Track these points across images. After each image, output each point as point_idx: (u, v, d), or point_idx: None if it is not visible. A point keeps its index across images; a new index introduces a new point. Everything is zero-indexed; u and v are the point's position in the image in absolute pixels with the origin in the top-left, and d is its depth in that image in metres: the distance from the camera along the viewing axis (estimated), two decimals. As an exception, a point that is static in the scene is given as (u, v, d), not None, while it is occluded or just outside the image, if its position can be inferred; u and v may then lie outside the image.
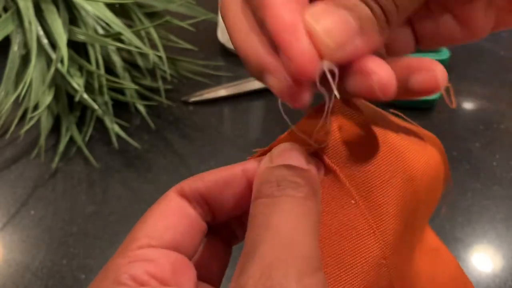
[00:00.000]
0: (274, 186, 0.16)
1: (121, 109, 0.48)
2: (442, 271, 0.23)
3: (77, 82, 0.42)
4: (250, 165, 0.19)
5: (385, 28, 0.16)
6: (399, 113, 0.22)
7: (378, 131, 0.19)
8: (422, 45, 0.20)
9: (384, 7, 0.15)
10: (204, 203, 0.19)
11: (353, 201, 0.18)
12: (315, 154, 0.19)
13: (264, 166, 0.18)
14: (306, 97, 0.16)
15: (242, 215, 0.19)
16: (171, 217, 0.18)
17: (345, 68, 0.16)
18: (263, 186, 0.16)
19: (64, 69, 0.40)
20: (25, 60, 0.44)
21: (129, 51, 0.49)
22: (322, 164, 0.19)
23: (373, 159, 0.18)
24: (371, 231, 0.18)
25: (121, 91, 0.47)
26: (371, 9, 0.15)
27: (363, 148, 0.19)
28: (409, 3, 0.16)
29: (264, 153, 0.19)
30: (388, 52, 0.21)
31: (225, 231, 0.21)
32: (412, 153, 0.19)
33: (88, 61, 0.43)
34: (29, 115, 0.42)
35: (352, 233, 0.18)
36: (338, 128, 0.19)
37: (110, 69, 0.47)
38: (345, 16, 0.15)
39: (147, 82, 0.50)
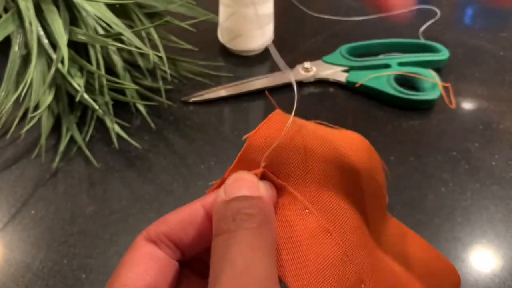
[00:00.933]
0: (231, 222, 0.17)
1: (121, 109, 0.49)
2: (413, 253, 0.23)
3: (78, 82, 0.42)
4: (208, 199, 0.20)
5: None
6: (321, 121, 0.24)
7: (311, 138, 0.21)
8: None
9: None
10: (170, 243, 0.20)
11: (306, 210, 0.19)
12: (265, 177, 0.20)
13: (219, 199, 0.19)
14: None
15: (210, 248, 0.20)
16: (142, 263, 0.19)
17: None
18: (220, 223, 0.18)
19: (64, 69, 0.41)
20: (25, 60, 0.44)
21: (129, 52, 0.49)
22: (273, 184, 0.20)
23: (313, 164, 0.20)
24: (328, 234, 0.19)
25: (121, 91, 0.47)
26: None
27: (303, 158, 0.20)
28: None
29: (220, 185, 0.21)
30: None
31: (198, 264, 0.21)
32: (344, 146, 0.21)
33: (89, 61, 0.44)
34: (29, 115, 0.42)
35: (311, 240, 0.19)
36: (277, 147, 0.20)
37: (110, 70, 0.47)
38: None
39: (148, 82, 0.50)
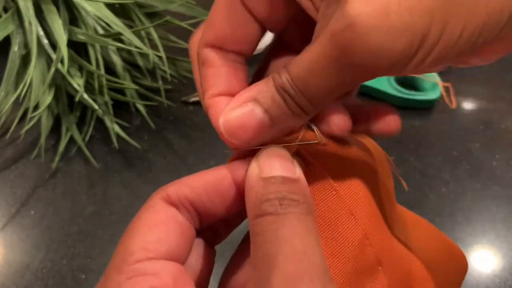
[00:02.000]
0: (277, 205, 0.17)
1: (121, 109, 0.48)
2: (422, 240, 0.24)
3: (77, 82, 0.42)
4: (236, 168, 0.19)
5: (302, 115, 0.17)
6: None
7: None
8: None
9: (298, 102, 0.16)
10: (192, 209, 0.18)
11: (334, 192, 0.19)
12: (296, 152, 0.20)
13: (253, 175, 0.18)
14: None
15: (225, 217, 0.19)
16: (163, 227, 0.17)
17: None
18: (265, 205, 0.17)
19: (64, 69, 0.40)
20: (25, 60, 0.44)
21: (129, 51, 0.49)
22: (303, 161, 0.20)
23: (344, 153, 0.20)
24: (352, 216, 0.19)
25: (121, 91, 0.47)
26: (286, 103, 0.16)
27: (334, 146, 0.20)
28: (323, 100, 0.17)
29: (242, 154, 0.20)
30: None
31: (208, 231, 0.20)
32: (368, 144, 0.22)
33: (88, 61, 0.44)
34: (29, 115, 0.42)
35: (336, 221, 0.19)
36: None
37: (110, 69, 0.47)
38: (252, 111, 0.17)
39: (147, 82, 0.50)
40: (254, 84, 0.17)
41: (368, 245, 0.19)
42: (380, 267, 0.20)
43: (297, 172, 0.18)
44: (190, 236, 0.18)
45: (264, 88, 0.17)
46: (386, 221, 0.22)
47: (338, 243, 0.19)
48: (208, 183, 0.18)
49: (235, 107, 0.17)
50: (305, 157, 0.20)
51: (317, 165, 0.20)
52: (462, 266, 0.25)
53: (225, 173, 0.19)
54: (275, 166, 0.18)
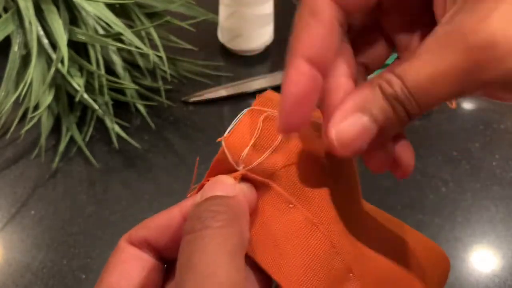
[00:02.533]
0: (196, 220, 0.18)
1: (121, 109, 0.48)
2: (401, 243, 0.23)
3: (78, 82, 0.42)
4: (186, 204, 0.20)
5: (405, 122, 0.17)
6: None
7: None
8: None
9: (408, 110, 0.16)
10: (150, 247, 0.20)
11: (291, 205, 0.19)
12: (246, 178, 0.20)
13: (195, 202, 0.19)
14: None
15: None
16: (124, 264, 0.20)
17: None
18: (188, 223, 0.18)
19: (64, 69, 0.41)
20: (25, 60, 0.44)
21: (129, 51, 0.49)
22: (255, 184, 0.20)
23: (295, 162, 0.20)
24: (314, 227, 0.19)
25: (121, 91, 0.47)
26: (395, 111, 0.16)
27: (284, 156, 0.20)
28: (434, 106, 0.17)
29: (199, 189, 0.21)
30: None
31: None
32: (316, 140, 0.21)
33: (89, 61, 0.44)
34: (29, 115, 0.42)
35: (298, 234, 0.19)
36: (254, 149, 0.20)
37: (110, 69, 0.47)
38: (364, 123, 0.17)
39: (148, 82, 0.50)
40: (357, 91, 0.17)
41: (335, 253, 0.19)
42: (351, 274, 0.20)
43: (236, 191, 0.19)
44: (154, 269, 0.20)
45: (370, 97, 0.17)
46: (354, 221, 0.21)
47: (305, 255, 0.19)
48: (160, 222, 0.20)
49: (344, 117, 0.17)
50: (256, 180, 0.20)
51: (272, 184, 0.20)
52: (445, 266, 0.25)
53: (175, 211, 0.20)
54: (214, 189, 0.19)
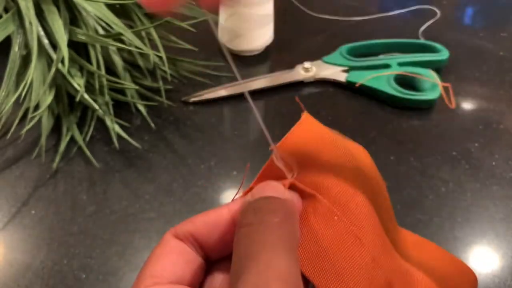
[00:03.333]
0: (252, 215, 0.18)
1: (121, 109, 0.49)
2: (428, 259, 0.24)
3: (78, 82, 0.42)
4: (234, 205, 0.21)
5: None
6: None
7: (334, 148, 0.22)
8: None
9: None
10: (195, 242, 0.21)
11: (336, 217, 0.20)
12: (293, 188, 0.21)
13: (245, 201, 0.20)
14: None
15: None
16: (169, 256, 0.20)
17: None
18: (242, 216, 0.19)
19: (64, 70, 0.41)
20: (26, 60, 0.44)
21: (129, 52, 0.49)
22: (301, 194, 0.21)
23: (341, 177, 0.21)
24: (357, 240, 0.20)
25: (121, 91, 0.47)
26: None
27: (330, 169, 0.21)
28: None
29: (246, 193, 0.22)
30: None
31: (227, 264, 0.22)
32: (362, 158, 0.22)
33: (89, 61, 0.44)
34: (29, 115, 0.42)
35: (342, 246, 0.19)
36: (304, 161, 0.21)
37: (110, 70, 0.47)
38: None
39: (148, 82, 0.50)
40: None
41: (377, 267, 0.20)
42: None
43: (286, 194, 0.20)
44: (196, 264, 0.21)
45: None
46: (391, 241, 0.22)
47: (347, 265, 0.19)
48: (208, 220, 0.21)
49: None
50: (304, 190, 0.20)
51: (317, 195, 0.20)
52: (471, 282, 0.25)
53: (224, 211, 0.21)
54: (265, 190, 0.20)
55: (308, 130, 0.22)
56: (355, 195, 0.21)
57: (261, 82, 0.53)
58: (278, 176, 0.21)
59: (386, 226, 0.22)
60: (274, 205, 0.19)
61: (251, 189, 0.21)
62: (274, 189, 0.20)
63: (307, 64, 0.54)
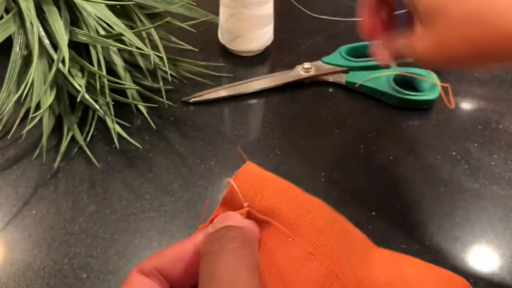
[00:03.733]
0: (214, 243, 0.19)
1: (122, 109, 0.49)
2: (413, 277, 0.25)
3: (79, 83, 0.43)
4: (197, 237, 0.22)
5: None
6: None
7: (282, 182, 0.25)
8: None
9: None
10: (161, 277, 0.21)
11: (290, 239, 0.22)
12: (249, 216, 0.23)
13: (207, 232, 0.21)
14: None
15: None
16: None
17: None
18: (206, 246, 0.20)
19: (65, 70, 0.41)
20: (26, 60, 0.44)
21: (130, 52, 0.49)
22: (255, 222, 0.23)
23: (291, 199, 0.23)
24: (312, 257, 0.21)
25: (122, 92, 0.47)
26: None
27: (281, 196, 0.23)
28: None
29: (208, 225, 0.23)
30: None
31: None
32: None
33: (90, 61, 0.44)
34: (30, 115, 0.42)
35: (297, 263, 0.21)
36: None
37: (111, 70, 0.47)
38: None
39: (148, 82, 0.50)
40: None
41: (335, 278, 0.21)
42: None
43: (244, 222, 0.21)
44: None
45: None
46: (357, 254, 0.23)
47: (303, 281, 0.20)
48: (173, 253, 0.22)
49: None
50: (258, 218, 0.22)
51: (271, 220, 0.22)
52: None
53: (188, 244, 0.22)
54: (225, 221, 0.21)
55: (255, 170, 0.25)
56: (308, 212, 0.22)
57: (261, 82, 0.53)
58: (235, 207, 0.23)
59: (350, 240, 0.24)
60: (234, 232, 0.20)
61: (211, 221, 0.23)
62: (233, 218, 0.21)
63: (306, 65, 0.54)
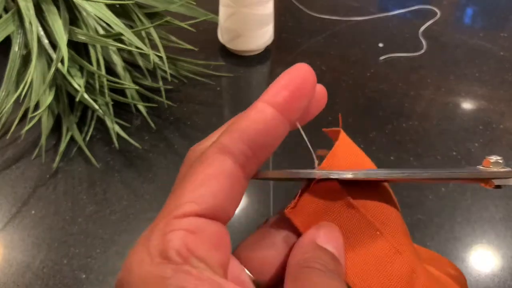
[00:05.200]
0: (319, 266, 0.19)
1: (121, 109, 0.49)
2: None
3: (78, 82, 0.42)
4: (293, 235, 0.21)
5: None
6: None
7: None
8: None
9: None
10: (250, 154, 0.18)
11: (378, 232, 0.22)
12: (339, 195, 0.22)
13: (311, 236, 0.20)
14: None
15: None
16: (216, 181, 0.17)
17: None
18: (311, 262, 0.19)
19: (64, 69, 0.41)
20: (26, 60, 0.44)
21: (129, 52, 0.49)
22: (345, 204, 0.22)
23: (378, 195, 0.23)
24: (398, 253, 0.21)
25: (121, 91, 0.47)
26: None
27: (370, 189, 0.23)
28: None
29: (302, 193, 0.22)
30: None
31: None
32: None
33: (89, 61, 0.44)
34: (29, 115, 0.42)
35: (385, 259, 0.21)
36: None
37: (110, 70, 0.47)
38: None
39: (148, 82, 0.50)
40: None
41: (416, 278, 0.21)
42: None
43: (342, 256, 0.21)
44: (241, 190, 0.18)
45: None
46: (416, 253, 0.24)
47: (389, 279, 0.21)
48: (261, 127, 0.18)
49: None
50: (350, 202, 0.22)
51: (361, 209, 0.22)
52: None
53: (272, 113, 0.18)
54: (331, 242, 0.20)
55: (347, 148, 0.24)
56: (391, 215, 0.22)
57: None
58: (340, 165, 0.22)
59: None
60: (336, 271, 0.19)
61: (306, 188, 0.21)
62: (338, 244, 0.20)
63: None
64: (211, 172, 0.17)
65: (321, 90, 0.21)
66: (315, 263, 0.19)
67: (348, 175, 0.21)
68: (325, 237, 0.20)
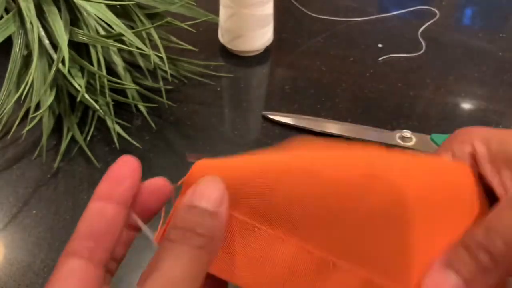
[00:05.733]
0: (180, 235, 0.18)
1: (122, 109, 0.49)
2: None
3: (79, 83, 0.43)
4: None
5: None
6: None
7: None
8: None
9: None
10: (97, 248, 0.20)
11: (256, 229, 0.21)
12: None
13: (185, 199, 0.20)
14: None
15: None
16: (64, 282, 0.19)
17: None
18: (172, 231, 0.19)
19: (65, 70, 0.41)
20: (26, 60, 0.44)
21: (130, 52, 0.49)
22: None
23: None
24: (280, 240, 0.20)
25: (122, 92, 0.47)
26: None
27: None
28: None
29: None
30: None
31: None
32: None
33: (90, 62, 0.44)
34: (30, 115, 0.42)
35: (266, 249, 0.20)
36: None
37: (111, 70, 0.47)
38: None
39: (148, 82, 0.50)
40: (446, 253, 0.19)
41: (307, 252, 0.20)
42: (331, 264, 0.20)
43: (222, 205, 0.20)
44: (93, 280, 0.19)
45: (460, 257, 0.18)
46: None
47: (274, 266, 0.20)
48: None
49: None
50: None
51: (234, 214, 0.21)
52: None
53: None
54: (205, 197, 0.19)
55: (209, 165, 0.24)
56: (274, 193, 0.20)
57: (342, 128, 0.48)
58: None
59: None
60: (201, 229, 0.18)
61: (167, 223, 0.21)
62: (208, 198, 0.19)
63: (407, 133, 0.47)
64: (57, 277, 0.19)
65: (159, 184, 0.23)
66: (172, 232, 0.19)
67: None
68: (199, 194, 0.20)
